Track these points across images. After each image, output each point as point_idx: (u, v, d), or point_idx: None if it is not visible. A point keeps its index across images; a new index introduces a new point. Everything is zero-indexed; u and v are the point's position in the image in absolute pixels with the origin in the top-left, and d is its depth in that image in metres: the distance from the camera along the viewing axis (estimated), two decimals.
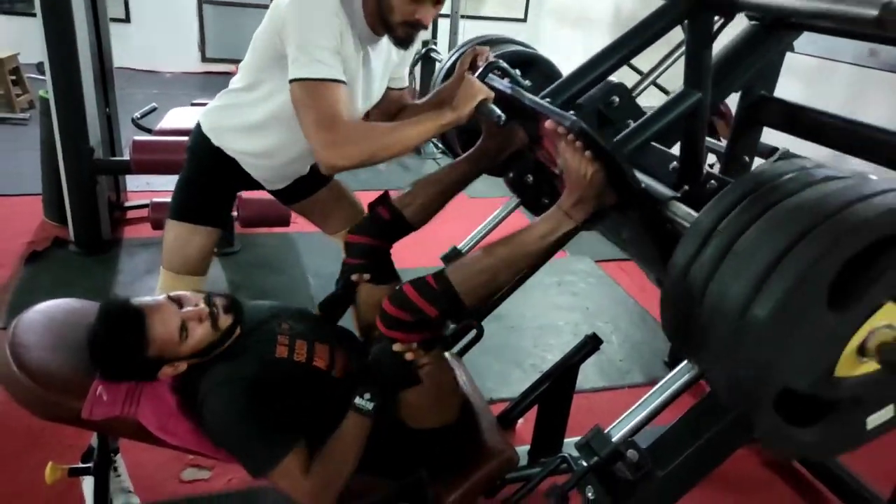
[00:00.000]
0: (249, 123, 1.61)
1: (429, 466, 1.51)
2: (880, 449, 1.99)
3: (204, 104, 3.30)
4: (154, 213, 2.66)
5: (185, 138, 2.51)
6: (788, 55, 2.05)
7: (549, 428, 1.83)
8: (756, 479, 2.02)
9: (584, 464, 1.23)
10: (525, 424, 2.05)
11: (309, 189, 1.87)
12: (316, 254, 3.25)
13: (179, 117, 3.07)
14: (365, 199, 1.74)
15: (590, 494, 1.23)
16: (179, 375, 1.30)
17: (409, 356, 1.22)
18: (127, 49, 6.59)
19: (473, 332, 1.84)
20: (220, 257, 3.16)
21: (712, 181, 1.23)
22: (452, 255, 1.77)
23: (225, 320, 1.31)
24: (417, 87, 4.98)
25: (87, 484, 1.68)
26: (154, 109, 3.16)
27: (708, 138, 3.67)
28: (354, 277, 1.52)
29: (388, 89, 1.72)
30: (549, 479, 1.40)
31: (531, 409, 1.83)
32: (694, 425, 1.22)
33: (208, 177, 1.72)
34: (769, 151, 3.46)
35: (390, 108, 1.75)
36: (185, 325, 1.25)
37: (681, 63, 1.79)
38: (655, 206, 1.11)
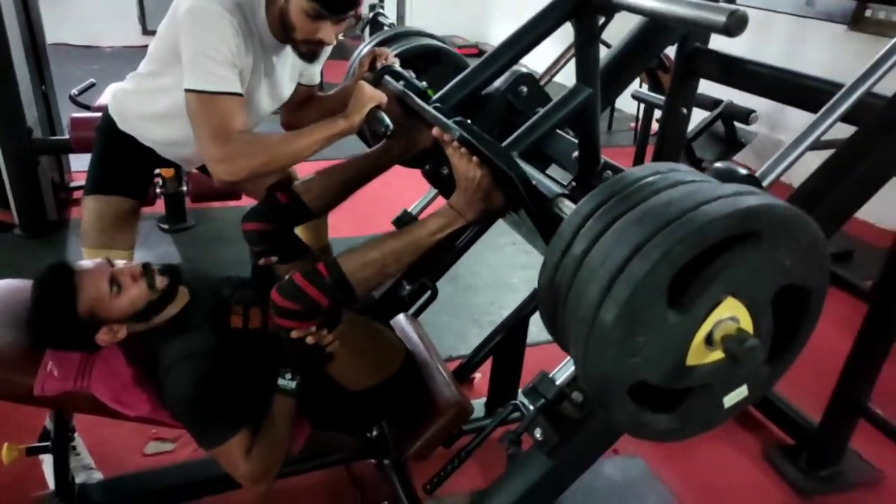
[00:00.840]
0: (154, 112, 1.59)
1: (387, 419, 1.56)
2: (812, 377, 2.14)
3: None
4: None
5: None
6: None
7: (503, 379, 1.90)
8: None
9: (532, 407, 1.30)
10: (483, 379, 2.12)
11: None
12: None
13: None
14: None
15: (538, 435, 1.30)
16: (136, 346, 1.32)
17: (309, 340, 1.22)
18: (63, 24, 6.32)
19: (428, 293, 1.90)
20: (173, 233, 3.13)
21: (608, 171, 1.27)
22: (404, 219, 1.80)
23: (161, 281, 1.31)
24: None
25: (48, 463, 1.69)
26: (92, 85, 3.07)
27: (652, 94, 3.74)
28: (262, 262, 1.52)
29: (299, 85, 1.70)
30: (505, 427, 1.47)
31: (486, 361, 1.89)
32: None
33: (119, 155, 1.70)
34: (712, 104, 3.57)
35: (295, 100, 1.73)
36: (115, 279, 1.25)
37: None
38: (544, 204, 1.13)
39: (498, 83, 1.41)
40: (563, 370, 1.28)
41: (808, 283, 0.91)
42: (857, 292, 2.36)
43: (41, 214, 2.93)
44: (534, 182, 1.19)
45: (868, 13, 3.75)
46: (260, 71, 1.51)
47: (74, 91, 2.99)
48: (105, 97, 3.06)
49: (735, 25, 0.82)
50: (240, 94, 1.36)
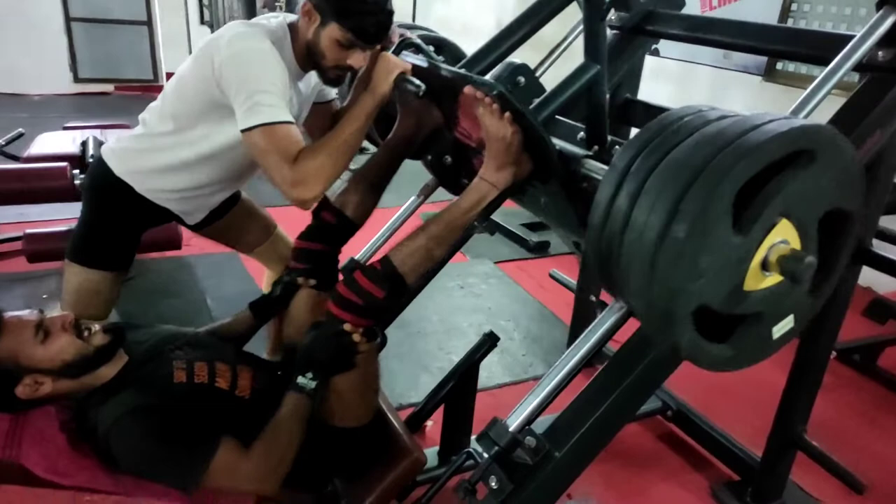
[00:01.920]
0: (177, 163, 1.57)
1: (342, 471, 1.53)
2: (758, 406, 2.21)
3: (76, 127, 3.17)
4: (29, 244, 2.49)
5: (57, 164, 2.42)
6: (659, 61, 2.24)
7: (455, 427, 1.89)
8: (648, 451, 2.18)
9: (486, 455, 1.30)
10: (435, 427, 2.10)
11: (221, 212, 1.83)
12: (213, 276, 3.16)
13: (49, 142, 2.89)
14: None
15: (493, 483, 1.29)
16: (67, 408, 1.25)
17: (355, 338, 1.29)
18: None
19: (377, 340, 1.89)
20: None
21: (616, 147, 1.32)
22: (350, 267, 1.79)
23: (101, 338, 1.27)
24: None
25: None
26: (21, 135, 2.96)
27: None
28: (300, 281, 1.56)
29: (318, 104, 1.72)
30: (459, 476, 1.45)
31: (437, 409, 1.88)
32: (586, 405, 1.32)
33: (120, 218, 1.65)
34: None
35: (323, 123, 1.74)
36: (43, 325, 1.20)
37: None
38: (570, 166, 1.20)
39: (496, 71, 1.45)
40: (516, 415, 1.29)
41: (849, 207, 0.96)
42: None
43: None
44: (558, 147, 1.24)
45: (779, 66, 4.06)
46: (291, 98, 1.51)
47: (1, 141, 2.87)
48: (36, 146, 2.96)
49: None
50: (293, 123, 1.38)
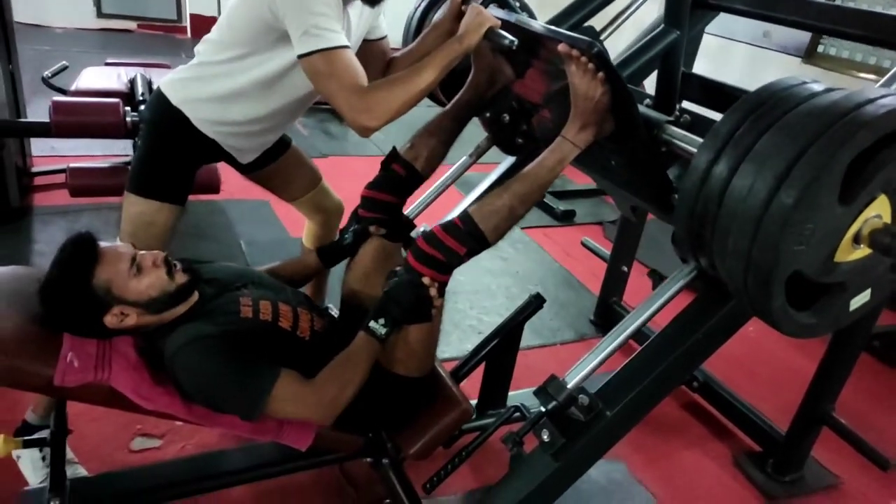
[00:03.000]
0: (231, 91, 1.57)
1: (393, 418, 1.58)
2: (779, 388, 2.27)
3: (120, 64, 3.16)
4: (73, 179, 2.51)
5: (110, 100, 2.43)
6: None
7: (495, 383, 1.95)
8: (674, 420, 2.25)
9: (542, 409, 1.35)
10: (466, 383, 2.16)
11: (272, 157, 1.84)
12: (246, 222, 3.19)
13: (95, 78, 2.88)
14: None
15: (545, 437, 1.35)
16: (142, 338, 1.30)
17: (433, 292, 1.32)
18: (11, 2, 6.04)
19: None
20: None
21: (686, 115, 1.34)
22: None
23: (181, 276, 1.31)
24: None
25: (26, 460, 1.64)
26: (65, 68, 2.95)
27: None
28: (372, 229, 1.59)
29: (369, 42, 1.70)
30: (502, 428, 1.51)
31: (479, 366, 1.93)
32: (639, 369, 1.38)
33: (176, 150, 1.65)
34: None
35: (378, 65, 1.72)
36: (136, 260, 1.25)
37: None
38: (652, 131, 1.22)
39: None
40: (574, 373, 1.33)
41: None
42: None
43: (4, 201, 2.79)
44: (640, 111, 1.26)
45: (820, 49, 4.01)
46: (343, 24, 1.50)
47: (47, 73, 2.87)
48: (83, 80, 2.95)
49: None
50: (349, 47, 1.37)
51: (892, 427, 2.36)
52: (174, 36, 7.05)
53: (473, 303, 2.79)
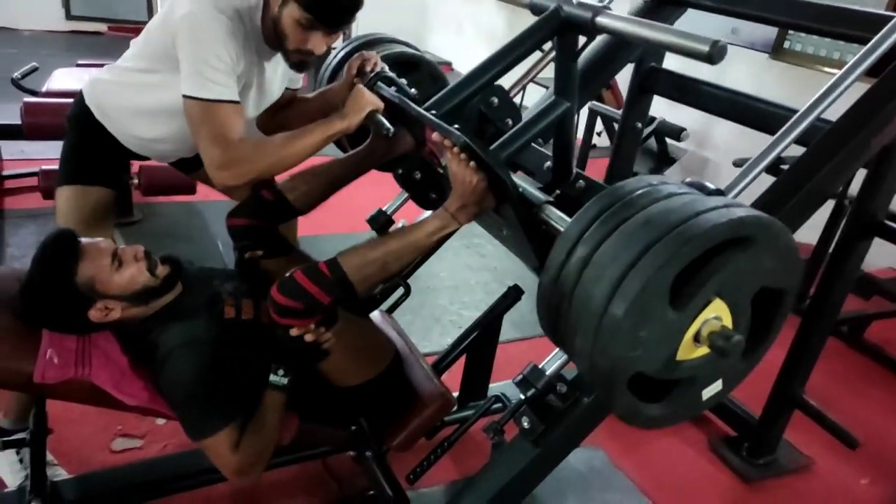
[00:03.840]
0: (138, 107, 1.57)
1: (371, 414, 1.60)
2: (752, 374, 2.33)
3: (91, 65, 3.12)
4: (46, 181, 2.48)
5: (70, 101, 2.39)
6: None
7: (476, 375, 1.98)
8: None
9: (522, 397, 1.38)
10: (447, 375, 2.18)
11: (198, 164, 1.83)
12: (222, 222, 3.15)
13: (66, 79, 2.85)
14: None
15: (525, 424, 1.38)
16: (129, 333, 1.30)
17: (308, 338, 1.26)
18: None
19: (401, 291, 1.95)
20: (119, 227, 3.01)
21: (581, 181, 1.35)
22: (378, 218, 1.84)
23: (163, 269, 1.32)
24: None
25: (3, 462, 1.62)
26: (35, 69, 2.92)
27: (606, 106, 3.97)
28: (247, 255, 1.53)
29: (287, 89, 1.72)
30: (484, 420, 1.54)
31: (460, 358, 1.96)
32: None
33: (95, 145, 1.65)
34: (649, 121, 3.80)
35: (279, 102, 1.74)
36: (117, 254, 1.25)
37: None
38: (531, 210, 1.22)
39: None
40: (552, 361, 1.36)
41: (783, 285, 1.03)
42: None
43: None
44: (521, 189, 1.28)
45: (787, 44, 4.11)
46: (252, 77, 1.52)
47: (17, 74, 2.83)
48: (54, 82, 2.92)
49: (717, 54, 0.93)
50: (238, 102, 1.37)
51: (859, 408, 2.44)
52: None
53: (453, 298, 2.82)
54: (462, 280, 2.98)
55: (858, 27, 1.50)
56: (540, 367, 1.37)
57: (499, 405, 1.65)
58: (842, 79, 1.31)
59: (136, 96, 1.57)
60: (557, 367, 1.36)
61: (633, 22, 1.09)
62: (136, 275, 1.26)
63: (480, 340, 1.92)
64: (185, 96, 1.34)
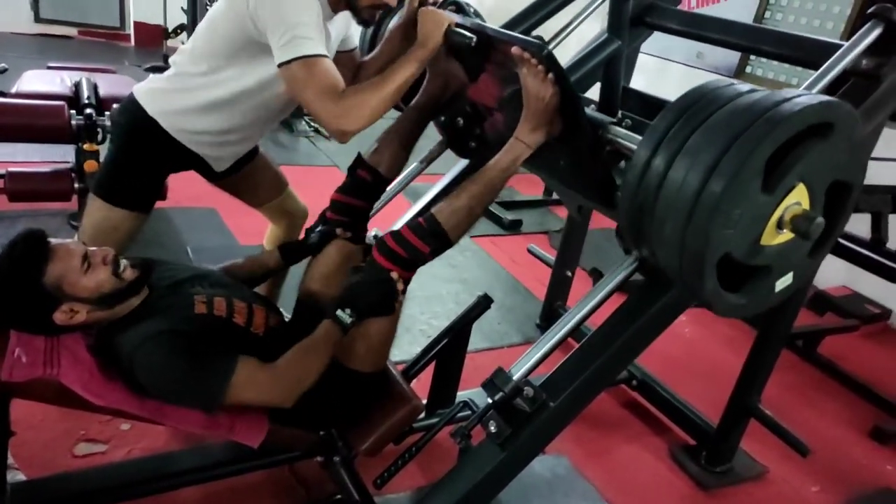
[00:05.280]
0: (209, 103, 1.59)
1: (345, 414, 1.61)
2: (711, 385, 2.40)
3: (62, 68, 3.09)
4: (12, 183, 2.44)
5: (55, 103, 2.38)
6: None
7: (445, 382, 2.00)
8: (614, 417, 2.36)
9: (489, 400, 1.41)
10: (416, 383, 2.20)
11: (241, 163, 1.85)
12: (192, 230, 3.16)
13: (37, 81, 2.82)
14: None
15: (492, 428, 1.41)
16: (94, 333, 1.29)
17: (399, 286, 1.38)
18: None
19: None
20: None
21: (628, 120, 1.43)
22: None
23: (131, 273, 1.31)
24: None
25: None
26: (5, 70, 2.88)
27: None
28: (339, 231, 1.63)
29: (341, 53, 1.75)
30: (452, 425, 1.56)
31: (429, 365, 1.98)
32: (580, 362, 1.45)
33: (148, 158, 1.66)
34: None
35: (347, 73, 1.74)
36: (88, 256, 1.25)
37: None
38: (597, 131, 1.30)
39: None
40: (519, 366, 1.40)
41: (852, 180, 1.10)
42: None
43: None
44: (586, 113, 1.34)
45: (749, 69, 4.28)
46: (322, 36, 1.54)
47: None
48: (24, 83, 2.87)
49: None
50: (328, 57, 1.40)
51: (812, 418, 2.54)
52: (117, 44, 6.90)
53: (424, 308, 2.85)
54: (433, 290, 3.01)
55: (811, 53, 1.58)
56: (507, 371, 1.41)
57: (467, 411, 1.68)
58: None
59: (205, 94, 1.58)
60: (525, 370, 1.40)
61: None
62: (104, 278, 1.25)
63: (450, 348, 1.95)
64: (283, 63, 1.35)
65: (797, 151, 0.99)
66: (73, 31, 6.87)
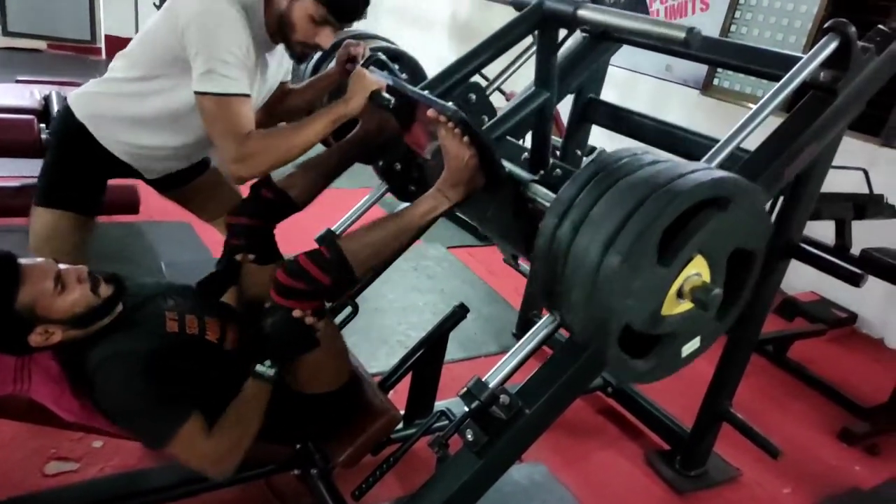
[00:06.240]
0: (137, 116, 1.57)
1: (319, 430, 1.61)
2: (685, 390, 2.44)
3: (31, 81, 3.05)
4: None
5: (24, 117, 2.35)
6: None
7: (422, 392, 2.01)
8: (590, 423, 2.39)
9: (466, 409, 1.42)
10: (393, 394, 2.20)
11: (189, 176, 1.84)
12: (166, 244, 3.13)
13: (6, 95, 2.77)
14: None
15: (469, 436, 1.42)
16: (65, 351, 1.27)
17: (309, 320, 1.29)
18: None
19: (349, 310, 1.97)
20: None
21: (558, 170, 1.46)
22: (327, 237, 1.87)
23: (106, 289, 1.29)
24: None
25: None
26: None
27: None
28: (238, 257, 1.55)
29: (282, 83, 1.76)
30: (429, 436, 1.56)
31: (406, 376, 1.99)
32: (554, 371, 1.47)
33: (80, 163, 1.64)
34: (589, 151, 3.97)
35: (274, 96, 1.78)
36: (60, 277, 1.22)
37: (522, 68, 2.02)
38: (518, 188, 1.30)
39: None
40: (495, 374, 1.41)
41: (754, 246, 1.12)
42: None
43: None
44: (507, 170, 1.35)
45: (716, 81, 4.38)
46: (257, 68, 1.53)
47: None
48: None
49: (693, 39, 1.03)
50: (249, 96, 1.40)
51: (783, 421, 2.59)
52: (87, 57, 6.82)
53: (400, 319, 2.85)
54: (410, 301, 3.02)
55: (772, 65, 1.64)
56: (483, 379, 1.43)
57: (444, 421, 1.68)
58: (757, 112, 1.43)
59: (135, 105, 1.57)
60: (501, 379, 1.41)
61: (614, 14, 1.18)
62: (79, 298, 1.23)
63: (426, 358, 1.95)
64: (198, 93, 1.36)
65: (693, 224, 1.00)
66: (42, 45, 6.77)
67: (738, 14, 4.21)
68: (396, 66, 1.67)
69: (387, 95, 1.45)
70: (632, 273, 0.97)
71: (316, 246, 1.78)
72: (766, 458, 2.08)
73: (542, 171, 1.46)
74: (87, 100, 1.61)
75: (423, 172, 1.74)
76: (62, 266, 1.26)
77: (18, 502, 1.53)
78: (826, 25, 1.45)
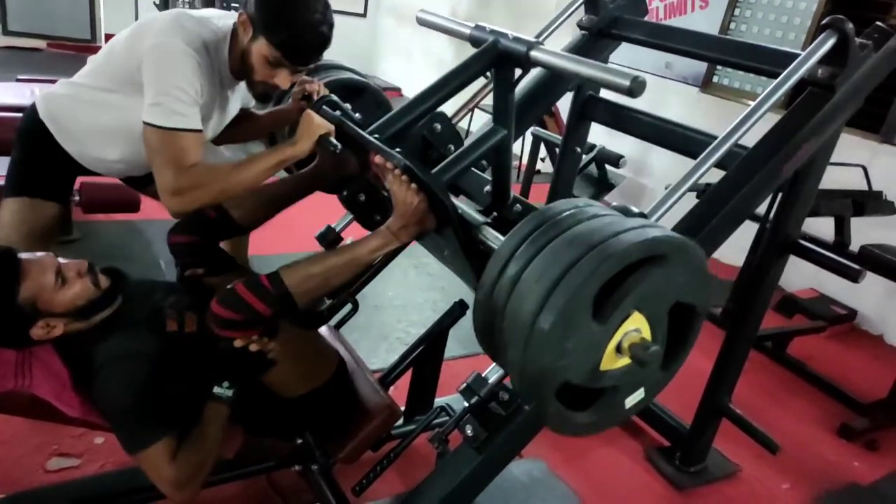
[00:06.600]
0: (96, 126, 1.58)
1: (317, 425, 1.62)
2: (685, 388, 2.45)
3: (32, 80, 3.06)
4: None
5: (15, 115, 2.35)
6: None
7: (422, 389, 2.01)
8: None
9: (465, 404, 1.43)
10: (393, 391, 2.21)
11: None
12: (165, 241, 3.12)
13: (6, 93, 2.79)
14: None
15: (469, 432, 1.43)
16: (67, 345, 1.29)
17: (253, 347, 1.28)
18: None
19: (350, 307, 1.98)
20: (57, 246, 2.92)
21: (517, 205, 1.43)
22: (327, 234, 1.87)
23: (105, 281, 1.31)
24: None
25: None
26: None
27: (548, 132, 4.12)
28: (188, 273, 1.55)
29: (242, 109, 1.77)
30: (428, 432, 1.57)
31: (406, 372, 1.99)
32: None
33: (44, 159, 1.65)
34: (589, 148, 3.97)
35: (235, 117, 1.78)
36: (61, 271, 1.23)
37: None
38: (470, 231, 1.29)
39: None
40: (494, 371, 1.42)
41: (694, 301, 1.11)
42: (710, 318, 2.75)
43: None
44: (460, 211, 1.34)
45: (715, 79, 4.38)
46: (214, 105, 1.55)
47: None
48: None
49: (637, 88, 1.02)
50: (200, 130, 1.40)
51: (782, 417, 2.60)
52: (88, 56, 6.78)
53: (401, 316, 2.86)
54: (410, 299, 3.02)
55: (770, 62, 1.64)
56: (483, 375, 1.44)
57: (444, 417, 1.69)
58: (755, 109, 1.44)
59: (94, 114, 1.58)
60: (499, 375, 1.42)
61: (563, 57, 1.18)
62: (79, 291, 1.24)
63: (426, 354, 1.96)
64: (145, 123, 1.36)
65: (630, 283, 0.99)
66: (41, 44, 6.78)
67: (737, 11, 4.22)
68: (349, 106, 1.61)
69: (334, 141, 1.43)
70: (565, 333, 0.96)
71: (316, 244, 1.81)
72: (766, 454, 2.08)
73: (495, 212, 1.45)
74: (51, 101, 1.63)
75: (387, 204, 1.73)
76: (62, 260, 1.27)
77: (20, 498, 1.54)
78: (824, 22, 1.45)
